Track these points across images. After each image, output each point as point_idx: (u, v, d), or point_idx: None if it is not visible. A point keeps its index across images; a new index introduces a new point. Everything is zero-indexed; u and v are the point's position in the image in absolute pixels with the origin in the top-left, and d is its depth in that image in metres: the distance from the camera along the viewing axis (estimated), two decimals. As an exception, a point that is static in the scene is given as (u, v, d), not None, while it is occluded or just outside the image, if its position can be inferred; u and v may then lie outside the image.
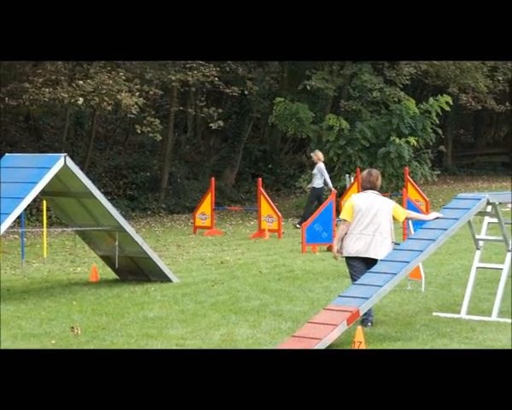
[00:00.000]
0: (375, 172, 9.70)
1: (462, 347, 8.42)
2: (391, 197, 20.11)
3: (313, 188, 20.25)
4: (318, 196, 20.17)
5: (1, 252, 14.76)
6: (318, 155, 20.49)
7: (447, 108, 24.27)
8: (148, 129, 21.84)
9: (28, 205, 12.04)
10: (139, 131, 22.23)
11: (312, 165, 21.37)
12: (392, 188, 23.40)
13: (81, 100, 20.16)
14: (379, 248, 9.31)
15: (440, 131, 24.95)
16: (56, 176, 11.45)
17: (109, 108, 20.83)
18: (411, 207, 15.23)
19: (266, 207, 18.93)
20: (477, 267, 10.07)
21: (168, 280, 12.52)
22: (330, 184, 20.19)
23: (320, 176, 20.14)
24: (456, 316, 9.82)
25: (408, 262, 8.93)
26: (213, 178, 20.64)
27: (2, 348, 8.54)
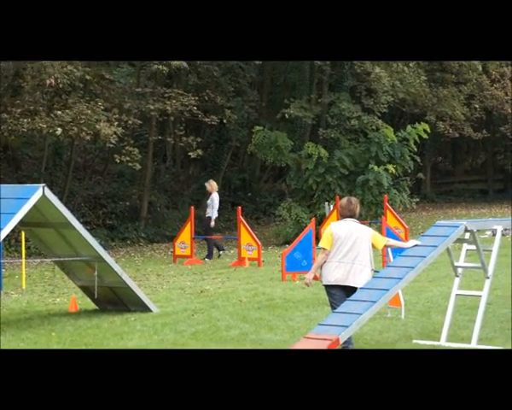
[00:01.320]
0: (355, 199, 9.72)
1: (443, 374, 8.42)
2: (370, 225, 20.18)
3: (209, 217, 20.03)
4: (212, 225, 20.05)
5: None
6: (212, 185, 20.31)
7: (425, 136, 24.43)
8: (127, 158, 21.83)
9: (7, 236, 11.97)
10: (118, 161, 22.21)
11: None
12: (371, 215, 23.48)
13: (59, 130, 20.14)
14: (358, 277, 9.32)
15: (418, 159, 25.11)
16: (35, 206, 11.40)
17: (88, 137, 20.82)
18: (390, 234, 15.28)
19: (246, 235, 18.93)
20: (456, 294, 10.11)
21: (148, 310, 12.47)
22: (214, 217, 19.95)
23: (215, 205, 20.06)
24: (435, 343, 9.83)
25: (387, 290, 8.94)
26: (193, 207, 20.64)
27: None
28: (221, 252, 20.25)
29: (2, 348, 10.12)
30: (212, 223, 19.94)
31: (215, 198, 20.07)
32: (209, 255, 19.97)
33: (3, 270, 16.33)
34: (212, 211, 19.98)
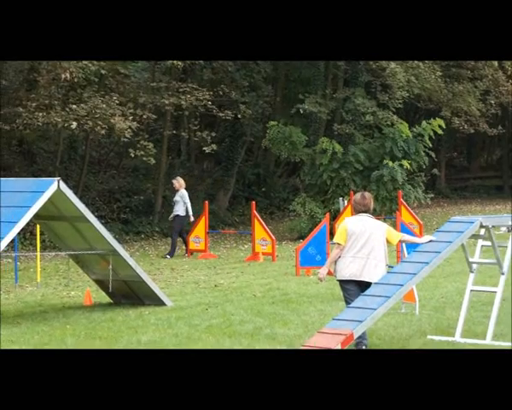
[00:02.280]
0: (368, 195, 9.71)
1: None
2: (384, 220, 20.16)
3: (177, 216, 19.57)
4: (182, 223, 19.68)
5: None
6: (180, 182, 19.84)
7: (440, 132, 24.36)
8: (142, 153, 21.86)
9: (22, 229, 12.03)
10: (132, 155, 22.25)
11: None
12: (385, 211, 23.43)
13: (74, 124, 20.19)
14: (373, 272, 9.30)
15: (433, 155, 25.04)
16: (50, 200, 11.45)
17: (103, 132, 20.86)
18: (405, 230, 15.25)
19: (260, 230, 18.94)
20: (471, 290, 10.08)
21: (162, 304, 12.50)
22: (191, 212, 19.57)
23: (183, 203, 19.56)
24: (450, 339, 9.81)
25: (402, 285, 8.92)
26: (207, 202, 20.67)
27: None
28: (168, 256, 19.44)
29: (17, 340, 10.18)
30: (192, 218, 19.63)
31: (185, 194, 19.60)
32: (171, 253, 19.53)
33: (18, 263, 16.40)
34: (184, 208, 19.48)
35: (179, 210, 19.60)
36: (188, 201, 19.66)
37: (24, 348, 9.76)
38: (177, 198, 19.76)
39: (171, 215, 19.99)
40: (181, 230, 19.72)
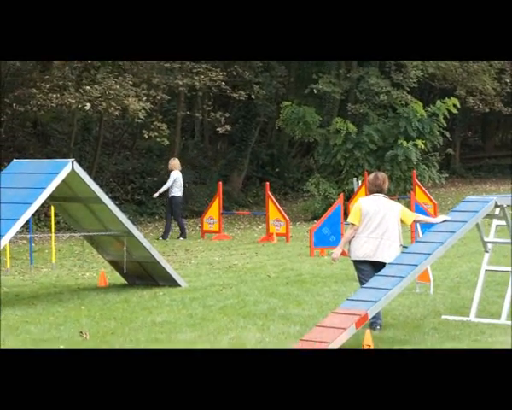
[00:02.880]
0: (382, 175, 9.68)
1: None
2: (398, 200, 20.11)
3: (172, 197, 19.26)
4: (177, 203, 19.32)
5: (10, 257, 14.79)
6: (172, 163, 19.63)
7: (454, 111, 24.24)
8: (156, 134, 21.86)
9: (36, 210, 12.07)
10: (146, 136, 22.26)
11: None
12: (399, 191, 23.38)
13: (88, 105, 20.20)
14: (387, 252, 9.29)
15: (448, 134, 24.92)
16: (64, 181, 11.47)
17: (116, 113, 20.86)
18: (419, 210, 15.20)
19: (274, 211, 18.93)
20: (486, 270, 10.05)
21: (176, 285, 12.53)
22: (161, 190, 19.52)
23: (179, 184, 19.25)
24: (465, 319, 9.79)
25: (416, 265, 8.91)
26: (221, 183, 20.66)
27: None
28: (162, 238, 19.20)
29: (33, 321, 10.22)
30: (156, 194, 19.69)
31: (172, 175, 19.22)
32: (182, 234, 19.35)
33: (33, 244, 16.46)
34: (173, 189, 19.20)
35: (173, 191, 19.31)
36: (169, 182, 19.22)
37: (39, 329, 9.80)
38: (171, 179, 19.40)
39: (157, 194, 19.98)
40: (179, 210, 19.46)
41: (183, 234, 19.47)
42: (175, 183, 19.33)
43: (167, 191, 19.51)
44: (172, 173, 19.43)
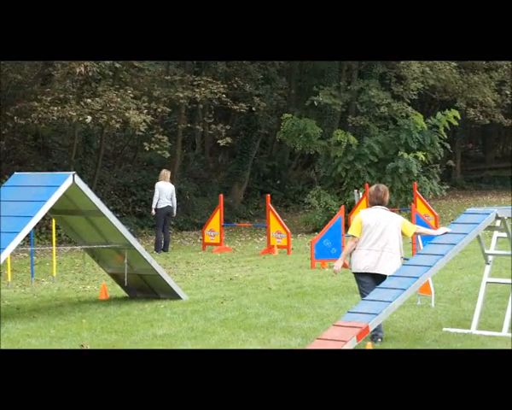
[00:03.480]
0: (383, 187, 9.69)
1: (473, 362, 8.38)
2: (399, 212, 20.11)
3: (156, 209, 19.01)
4: (158, 215, 18.97)
5: (11, 270, 14.79)
6: (160, 174, 19.38)
7: (455, 123, 24.27)
8: (157, 146, 21.90)
9: (37, 223, 12.08)
10: (147, 149, 22.29)
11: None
12: (400, 203, 23.39)
13: (89, 118, 20.24)
14: (388, 264, 9.29)
15: (449, 146, 24.95)
16: (65, 194, 11.48)
17: (117, 125, 20.90)
18: (420, 222, 15.21)
19: (275, 223, 18.93)
20: (487, 282, 10.04)
21: (177, 297, 12.52)
22: (153, 206, 19.03)
23: (164, 196, 18.91)
24: (466, 331, 9.78)
25: (417, 277, 8.90)
26: (222, 195, 20.67)
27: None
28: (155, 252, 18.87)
29: (34, 334, 10.22)
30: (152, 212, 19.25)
31: (158, 187, 18.97)
32: (155, 247, 19.11)
33: (34, 257, 16.46)
34: (159, 200, 18.89)
35: (158, 203, 18.93)
36: (155, 194, 18.98)
37: (40, 342, 9.79)
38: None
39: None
40: (161, 222, 19.09)
41: (156, 247, 19.05)
42: (160, 194, 19.01)
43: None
44: (156, 185, 19.26)
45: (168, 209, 19.10)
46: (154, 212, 19.20)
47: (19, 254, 18.40)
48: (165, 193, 19.10)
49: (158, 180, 19.51)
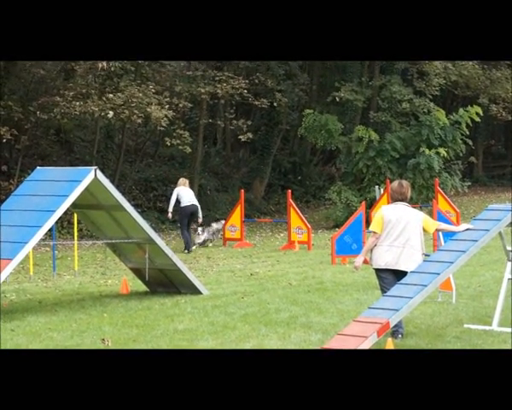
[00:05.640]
0: (406, 183, 9.67)
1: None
2: (421, 208, 20.05)
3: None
4: (190, 213, 18.78)
5: (33, 264, 14.88)
6: (181, 182, 19.16)
7: (477, 119, 24.17)
8: (178, 141, 21.95)
9: (59, 218, 12.13)
10: (169, 144, 22.35)
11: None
12: (422, 199, 23.32)
13: (111, 113, 20.31)
14: (409, 260, 9.27)
15: (471, 142, 24.84)
16: (87, 189, 11.53)
17: (139, 120, 20.98)
18: (442, 218, 15.16)
19: (296, 218, 18.93)
20: (508, 279, 9.99)
21: (198, 292, 12.55)
22: (170, 209, 19.00)
23: (181, 199, 18.77)
24: (487, 328, 9.74)
25: (438, 274, 8.88)
26: (243, 191, 20.68)
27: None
28: (185, 251, 18.63)
29: (56, 328, 10.28)
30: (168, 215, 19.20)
31: (175, 191, 18.91)
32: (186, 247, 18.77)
33: (56, 252, 16.55)
34: (183, 199, 18.75)
35: (180, 204, 18.83)
36: (171, 199, 18.95)
37: (61, 336, 9.85)
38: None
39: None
40: (185, 222, 18.88)
41: (186, 247, 18.72)
42: (181, 197, 18.77)
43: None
44: (174, 190, 19.04)
45: (192, 208, 18.81)
46: (170, 215, 19.08)
47: (41, 248, 18.51)
48: (185, 196, 18.84)
49: (176, 186, 19.14)
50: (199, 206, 19.11)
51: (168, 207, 19.30)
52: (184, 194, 18.88)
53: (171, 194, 24.43)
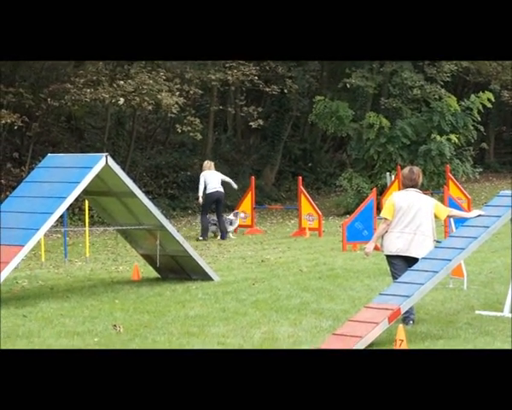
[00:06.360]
0: (417, 169, 9.65)
1: (506, 346, 8.34)
2: (432, 195, 20.00)
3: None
4: (215, 199, 18.40)
5: (44, 251, 14.92)
6: (206, 165, 18.77)
7: (489, 105, 24.06)
8: (189, 128, 21.94)
9: (70, 204, 12.17)
10: (179, 131, 22.34)
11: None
12: (433, 186, 23.27)
13: (122, 100, 20.32)
14: (420, 247, 9.26)
15: (482, 129, 24.74)
16: (98, 176, 11.55)
17: (150, 107, 20.97)
18: (453, 204, 15.13)
19: (307, 205, 18.92)
20: (520, 265, 9.98)
21: (209, 279, 12.57)
22: (200, 194, 18.42)
23: (211, 183, 18.33)
24: (498, 314, 9.73)
25: (449, 260, 8.87)
26: (253, 177, 20.67)
27: (47, 344, 8.66)
28: (200, 237, 18.33)
29: (67, 314, 10.31)
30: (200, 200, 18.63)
31: (202, 176, 18.51)
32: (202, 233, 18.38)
33: (68, 238, 16.59)
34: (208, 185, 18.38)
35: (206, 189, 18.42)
36: (200, 185, 18.44)
37: (73, 322, 9.88)
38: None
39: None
40: (207, 208, 18.56)
41: (202, 233, 18.39)
42: (208, 182, 18.43)
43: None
44: (201, 175, 18.67)
45: (217, 195, 18.41)
46: (201, 200, 18.49)
47: (52, 235, 18.56)
48: (212, 181, 18.44)
49: (202, 170, 18.81)
50: (223, 192, 18.67)
51: (198, 192, 18.71)
52: (211, 179, 18.50)
53: (182, 181, 24.50)
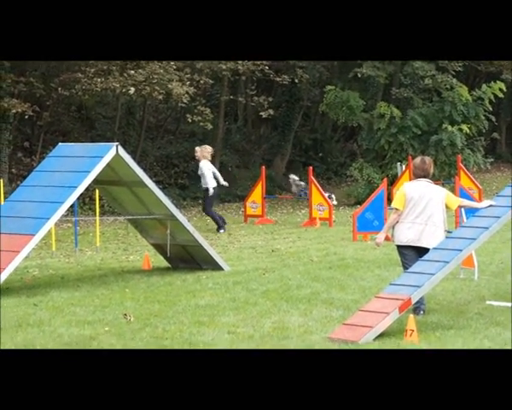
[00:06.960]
0: (428, 159, 9.63)
1: (516, 336, 8.32)
2: (443, 185, 19.95)
3: (206, 189, 17.67)
4: (210, 196, 17.69)
5: (55, 240, 14.95)
6: (201, 152, 17.90)
7: (501, 95, 23.96)
8: (199, 118, 21.92)
9: (81, 194, 12.18)
10: (190, 121, 22.32)
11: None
12: (444, 176, 23.20)
13: (132, 89, 20.30)
14: (431, 237, 9.24)
15: (494, 119, 24.65)
16: (108, 165, 11.55)
17: (160, 97, 20.95)
18: (464, 195, 15.09)
19: (317, 195, 18.90)
20: (531, 256, 9.95)
21: (219, 268, 12.57)
22: (220, 182, 17.68)
23: (210, 176, 17.57)
24: (509, 305, 9.70)
25: (460, 250, 8.85)
26: (264, 167, 20.65)
27: (58, 333, 8.68)
28: (221, 230, 17.65)
29: (78, 303, 10.34)
30: (223, 183, 17.98)
31: (203, 167, 17.65)
32: (219, 227, 17.69)
33: (78, 228, 16.62)
34: (206, 181, 17.58)
35: (208, 183, 17.63)
36: (207, 174, 17.53)
37: (84, 311, 9.90)
38: (199, 172, 17.85)
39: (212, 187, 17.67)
40: (211, 204, 17.98)
41: (220, 226, 17.75)
42: (203, 173, 17.74)
43: (200, 183, 18.10)
44: (201, 164, 17.72)
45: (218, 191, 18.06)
46: (212, 191, 17.66)
47: (63, 224, 18.59)
48: (215, 170, 17.99)
49: (197, 159, 18.09)
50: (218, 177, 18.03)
51: (206, 182, 17.76)
52: (214, 168, 18.22)
53: (192, 170, 24.42)
